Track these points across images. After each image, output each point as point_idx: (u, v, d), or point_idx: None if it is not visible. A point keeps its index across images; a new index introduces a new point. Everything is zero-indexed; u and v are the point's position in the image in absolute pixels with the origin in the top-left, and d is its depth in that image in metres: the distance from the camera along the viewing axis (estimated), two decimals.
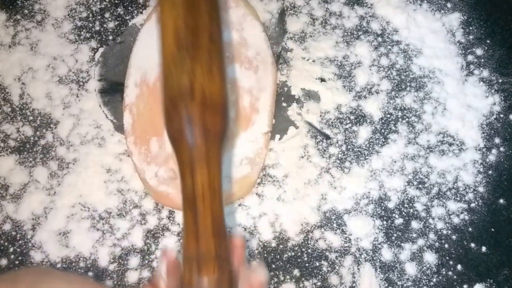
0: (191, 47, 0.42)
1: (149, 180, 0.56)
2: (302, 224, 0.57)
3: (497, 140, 0.61)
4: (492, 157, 0.60)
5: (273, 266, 0.55)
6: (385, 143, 0.61)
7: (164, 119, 0.43)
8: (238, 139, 0.58)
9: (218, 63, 0.42)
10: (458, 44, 0.65)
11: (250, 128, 0.58)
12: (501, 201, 0.58)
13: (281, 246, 0.56)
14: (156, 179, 0.56)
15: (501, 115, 0.62)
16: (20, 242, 0.56)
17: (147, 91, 0.59)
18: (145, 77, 0.60)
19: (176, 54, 0.42)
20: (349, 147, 0.60)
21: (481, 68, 0.64)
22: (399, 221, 0.57)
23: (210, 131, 0.41)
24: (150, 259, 0.55)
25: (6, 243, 0.56)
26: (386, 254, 0.56)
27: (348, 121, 0.61)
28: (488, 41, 0.66)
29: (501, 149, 0.61)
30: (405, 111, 0.62)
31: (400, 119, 0.62)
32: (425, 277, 0.55)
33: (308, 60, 0.64)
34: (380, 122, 0.61)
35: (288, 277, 0.54)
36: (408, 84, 0.63)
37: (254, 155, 0.57)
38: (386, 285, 0.54)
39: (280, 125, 0.61)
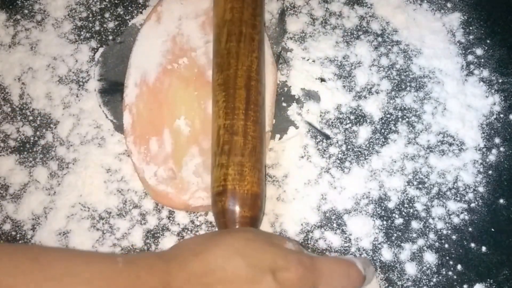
0: (227, 151, 0.51)
1: (148, 180, 0.56)
2: (302, 224, 0.57)
3: (497, 140, 0.61)
4: (492, 157, 0.60)
5: None
6: (385, 143, 0.61)
7: (211, 201, 0.52)
8: None
9: (250, 165, 0.51)
10: (458, 44, 0.65)
11: None
12: (501, 201, 0.58)
13: None
14: (155, 178, 0.56)
15: (501, 115, 0.62)
16: (20, 242, 0.56)
17: (147, 91, 0.59)
18: (145, 77, 0.60)
19: (217, 152, 0.51)
20: (349, 147, 0.60)
21: (481, 68, 0.64)
22: (399, 221, 0.57)
23: (239, 221, 0.50)
24: None
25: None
26: (386, 254, 0.56)
27: (348, 121, 0.61)
28: (488, 41, 0.66)
29: (501, 149, 0.61)
30: (405, 111, 0.62)
31: (400, 119, 0.62)
32: (425, 277, 0.55)
33: (308, 60, 0.64)
34: (380, 122, 0.61)
35: None
36: (408, 84, 0.63)
37: None
38: (386, 285, 0.54)
39: (280, 125, 0.61)
